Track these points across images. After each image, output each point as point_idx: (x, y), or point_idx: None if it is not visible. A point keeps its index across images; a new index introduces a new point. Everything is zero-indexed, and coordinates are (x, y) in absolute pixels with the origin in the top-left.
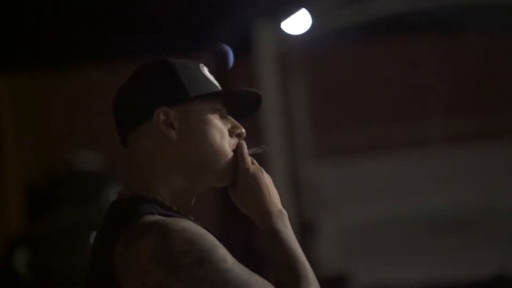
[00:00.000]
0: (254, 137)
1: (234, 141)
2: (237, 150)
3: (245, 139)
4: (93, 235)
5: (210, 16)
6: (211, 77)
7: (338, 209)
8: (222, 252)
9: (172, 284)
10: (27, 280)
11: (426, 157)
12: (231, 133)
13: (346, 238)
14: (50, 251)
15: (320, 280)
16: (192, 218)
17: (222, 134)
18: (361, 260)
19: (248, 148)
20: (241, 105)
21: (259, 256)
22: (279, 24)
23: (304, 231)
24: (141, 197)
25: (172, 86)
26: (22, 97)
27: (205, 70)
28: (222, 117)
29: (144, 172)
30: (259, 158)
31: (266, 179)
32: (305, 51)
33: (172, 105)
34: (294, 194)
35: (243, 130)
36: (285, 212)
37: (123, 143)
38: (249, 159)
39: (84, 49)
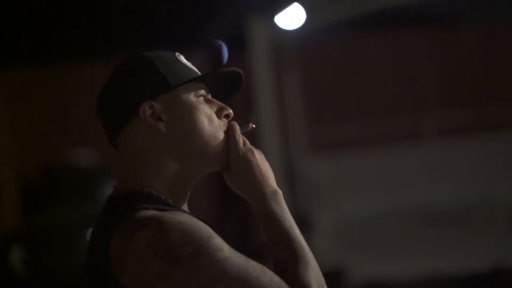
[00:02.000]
0: (250, 132)
1: (223, 123)
2: (228, 132)
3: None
4: (89, 231)
5: (204, 11)
6: (189, 64)
7: (333, 202)
8: (219, 241)
9: (171, 276)
10: (23, 277)
11: (422, 150)
12: (219, 115)
13: (342, 231)
14: (45, 247)
15: None
16: (187, 211)
17: (211, 118)
18: (357, 253)
19: (240, 126)
20: (223, 86)
21: (255, 247)
22: (273, 19)
23: (300, 225)
24: (135, 192)
25: (152, 79)
26: (16, 94)
27: (182, 58)
28: (207, 101)
29: (138, 168)
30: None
31: (258, 159)
32: (299, 45)
33: (156, 97)
34: (290, 188)
35: (230, 110)
36: (279, 191)
37: (112, 144)
38: (240, 140)
39: (78, 45)
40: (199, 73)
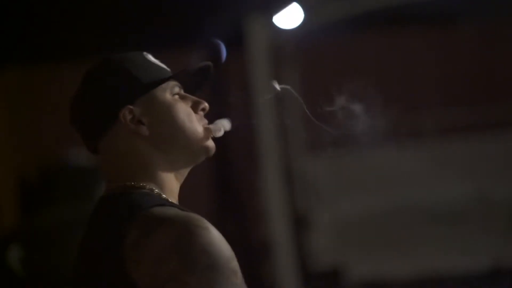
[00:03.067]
0: (247, 131)
1: (200, 116)
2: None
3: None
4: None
5: (202, 10)
6: (158, 63)
7: (332, 201)
8: (236, 265)
9: (184, 280)
10: (21, 277)
11: (421, 148)
12: (195, 109)
13: (340, 230)
14: (44, 247)
15: (315, 273)
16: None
17: (189, 115)
18: (355, 252)
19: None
20: (194, 80)
21: (253, 247)
22: (271, 19)
23: (298, 224)
24: (136, 189)
25: (127, 83)
26: (14, 93)
27: (151, 57)
28: (182, 97)
29: (126, 169)
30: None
31: None
32: (297, 44)
33: (134, 101)
34: (288, 186)
35: (206, 104)
36: None
37: (91, 150)
38: None
39: (76, 44)
40: (168, 69)
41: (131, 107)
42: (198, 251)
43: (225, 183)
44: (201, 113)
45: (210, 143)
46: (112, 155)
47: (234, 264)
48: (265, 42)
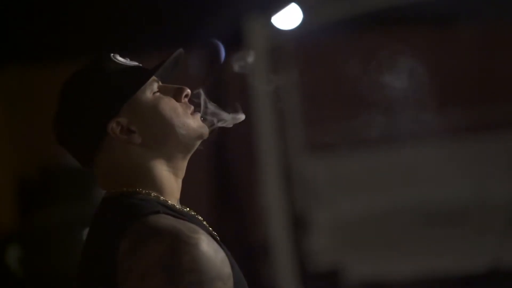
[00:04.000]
0: (247, 131)
1: (185, 104)
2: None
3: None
4: (86, 231)
5: (201, 11)
6: (128, 62)
7: (331, 202)
8: (224, 283)
9: None
10: (20, 277)
11: (419, 149)
12: (178, 99)
13: (339, 231)
14: (43, 247)
15: (314, 274)
16: (199, 217)
17: (175, 108)
18: (354, 253)
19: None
20: (168, 69)
21: (252, 246)
22: (270, 19)
23: (297, 225)
24: (136, 194)
25: (107, 95)
26: (13, 92)
27: (120, 58)
28: (162, 92)
29: (123, 179)
30: (252, 153)
31: None
32: (296, 45)
33: (119, 111)
34: (287, 187)
35: (187, 90)
36: None
37: (86, 166)
38: None
39: (76, 44)
40: (139, 65)
41: (118, 119)
42: (183, 268)
43: (224, 183)
44: (185, 99)
45: (202, 128)
46: (109, 167)
47: (219, 285)
48: (264, 43)
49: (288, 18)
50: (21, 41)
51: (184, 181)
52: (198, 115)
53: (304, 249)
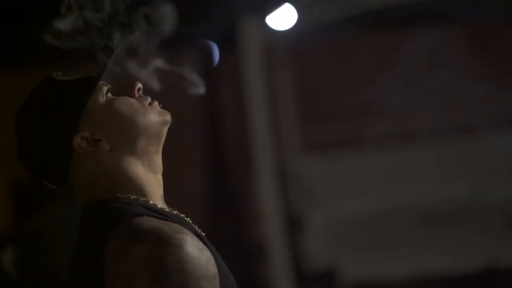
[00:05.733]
0: (243, 132)
1: (140, 97)
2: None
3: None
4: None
5: (194, 12)
6: (70, 77)
7: (326, 203)
8: (209, 282)
9: None
10: (15, 279)
11: (415, 149)
12: (132, 94)
13: (335, 231)
14: (38, 249)
15: (309, 274)
16: (184, 217)
17: (130, 104)
18: (350, 254)
19: None
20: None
21: (247, 247)
22: (264, 20)
23: (292, 226)
24: (118, 199)
25: (61, 113)
26: (7, 94)
27: (62, 75)
28: (114, 93)
29: (101, 188)
30: (247, 154)
31: None
32: (291, 45)
33: (77, 126)
34: (282, 188)
35: (138, 84)
36: None
37: (60, 185)
38: None
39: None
40: (79, 75)
41: (80, 134)
42: (168, 269)
43: (220, 184)
44: (140, 93)
45: (163, 115)
46: (84, 182)
47: (208, 282)
48: (258, 43)
49: (282, 19)
50: (18, 43)
51: (180, 183)
52: (156, 103)
53: (299, 250)
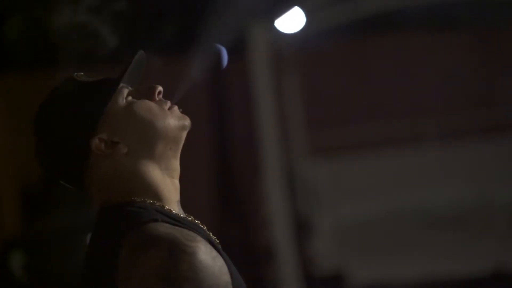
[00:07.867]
0: (251, 136)
1: (160, 101)
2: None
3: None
4: (88, 237)
5: (203, 15)
6: (91, 78)
7: (333, 206)
8: None
9: None
10: (23, 283)
11: (421, 153)
12: (152, 98)
13: (342, 235)
14: (45, 253)
15: (317, 277)
16: (199, 224)
17: (150, 107)
18: (357, 257)
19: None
20: (136, 72)
21: (256, 251)
22: (273, 23)
23: (300, 229)
24: (132, 203)
25: (81, 114)
26: (15, 98)
27: (83, 76)
28: (134, 96)
29: (117, 191)
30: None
31: None
32: (299, 49)
33: (96, 128)
34: (290, 192)
35: (159, 88)
36: None
37: (81, 189)
38: None
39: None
40: (105, 77)
41: (99, 135)
42: (181, 277)
43: (228, 188)
44: (160, 96)
45: (183, 119)
46: (100, 183)
47: None
48: (267, 47)
49: (291, 22)
50: (23, 46)
51: (188, 186)
52: (176, 108)
53: (307, 253)
